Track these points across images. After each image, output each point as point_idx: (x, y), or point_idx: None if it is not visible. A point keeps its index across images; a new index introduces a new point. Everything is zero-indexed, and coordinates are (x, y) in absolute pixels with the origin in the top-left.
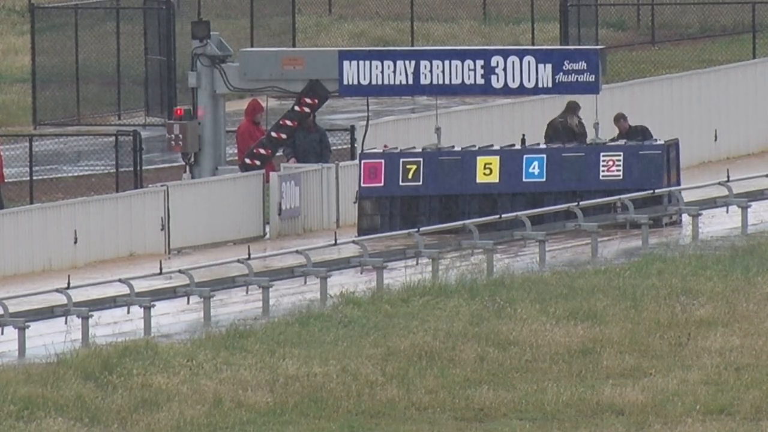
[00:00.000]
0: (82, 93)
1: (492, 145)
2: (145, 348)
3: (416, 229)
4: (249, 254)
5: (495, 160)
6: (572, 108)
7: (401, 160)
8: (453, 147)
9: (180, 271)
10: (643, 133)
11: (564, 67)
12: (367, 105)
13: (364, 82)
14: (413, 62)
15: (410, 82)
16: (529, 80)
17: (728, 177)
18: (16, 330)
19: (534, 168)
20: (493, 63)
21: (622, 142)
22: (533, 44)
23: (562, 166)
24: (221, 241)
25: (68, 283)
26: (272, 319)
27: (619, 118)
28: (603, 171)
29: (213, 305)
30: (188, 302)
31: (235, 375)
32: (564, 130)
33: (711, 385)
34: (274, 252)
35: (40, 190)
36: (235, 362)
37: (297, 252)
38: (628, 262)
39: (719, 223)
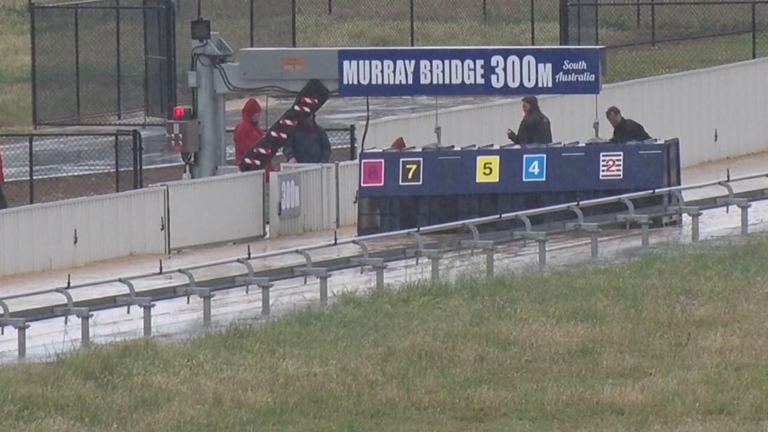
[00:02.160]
0: (82, 93)
1: (492, 145)
2: (145, 348)
3: (416, 229)
4: (249, 254)
5: (495, 160)
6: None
7: (401, 159)
8: (453, 147)
9: (180, 271)
10: (637, 129)
11: (564, 67)
12: (367, 105)
13: (364, 81)
14: (413, 62)
15: (410, 81)
16: (529, 80)
17: (728, 177)
18: (16, 330)
19: (534, 168)
20: (493, 63)
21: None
22: (533, 44)
23: (562, 166)
24: (221, 241)
25: (68, 283)
26: (272, 319)
27: (610, 112)
28: (603, 171)
29: (213, 305)
30: (188, 302)
31: (235, 375)
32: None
33: (711, 385)
34: (274, 252)
35: (40, 190)
36: (235, 362)
37: (297, 252)
38: (628, 262)
39: (719, 223)
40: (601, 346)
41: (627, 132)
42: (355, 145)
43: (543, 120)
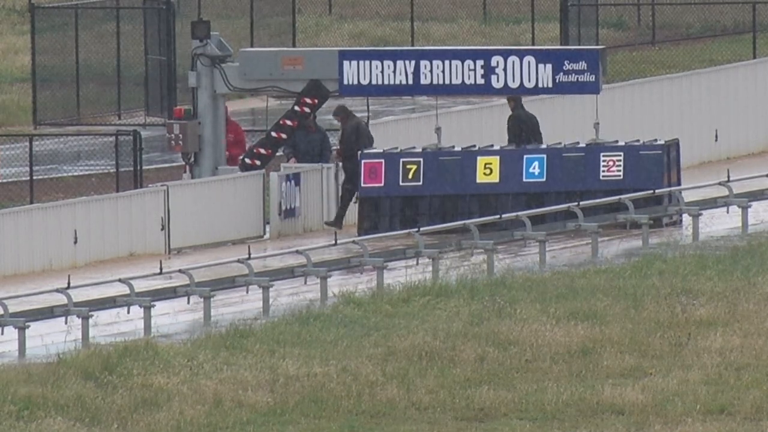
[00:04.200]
0: (82, 93)
1: (492, 145)
2: (145, 348)
3: (416, 229)
4: (249, 254)
5: (495, 160)
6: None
7: (401, 160)
8: (453, 147)
9: (180, 271)
10: (524, 124)
11: (564, 67)
12: (367, 105)
13: (364, 82)
14: (413, 62)
15: (410, 82)
16: (529, 80)
17: (728, 177)
18: (16, 330)
19: (534, 168)
20: (493, 63)
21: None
22: (533, 44)
23: (562, 166)
24: (221, 241)
25: (68, 283)
26: (272, 319)
27: (511, 100)
28: (603, 171)
29: (213, 305)
30: (188, 302)
31: (235, 375)
32: None
33: (711, 385)
34: (274, 252)
35: (40, 190)
36: (235, 362)
37: (297, 252)
38: (629, 262)
39: (719, 223)
40: (601, 346)
41: (516, 125)
42: None
43: (362, 122)
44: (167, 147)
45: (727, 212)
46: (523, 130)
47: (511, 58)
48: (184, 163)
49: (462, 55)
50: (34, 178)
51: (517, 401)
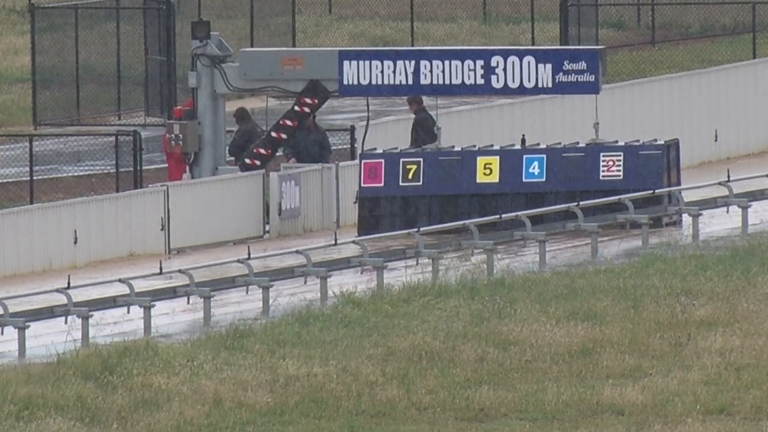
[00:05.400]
0: (82, 93)
1: (492, 145)
2: (145, 348)
3: (416, 229)
4: (249, 254)
5: (495, 160)
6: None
7: (401, 160)
8: (453, 147)
9: (180, 271)
10: (421, 126)
11: (564, 67)
12: (367, 105)
13: (364, 82)
14: (413, 62)
15: (410, 82)
16: (529, 80)
17: (728, 177)
18: (16, 330)
19: (534, 168)
20: (493, 63)
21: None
22: (533, 44)
23: (562, 166)
24: (221, 241)
25: (68, 283)
26: (272, 319)
27: (414, 102)
28: (603, 171)
29: (213, 305)
30: (188, 302)
31: (235, 375)
32: None
33: (711, 385)
34: (274, 252)
35: (40, 190)
36: (235, 362)
37: (297, 252)
38: (629, 262)
39: (719, 223)
40: (601, 347)
41: (417, 127)
42: (355, 145)
43: (257, 128)
44: (166, 146)
45: (727, 212)
46: (422, 132)
47: (511, 58)
48: (184, 163)
49: (462, 55)
50: (34, 178)
51: (517, 401)
